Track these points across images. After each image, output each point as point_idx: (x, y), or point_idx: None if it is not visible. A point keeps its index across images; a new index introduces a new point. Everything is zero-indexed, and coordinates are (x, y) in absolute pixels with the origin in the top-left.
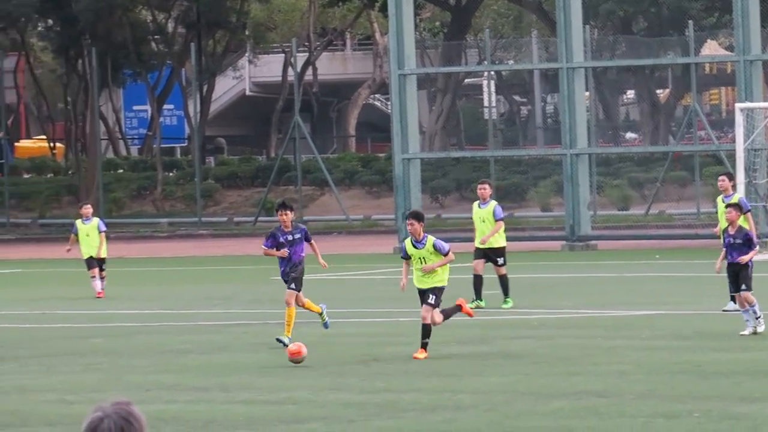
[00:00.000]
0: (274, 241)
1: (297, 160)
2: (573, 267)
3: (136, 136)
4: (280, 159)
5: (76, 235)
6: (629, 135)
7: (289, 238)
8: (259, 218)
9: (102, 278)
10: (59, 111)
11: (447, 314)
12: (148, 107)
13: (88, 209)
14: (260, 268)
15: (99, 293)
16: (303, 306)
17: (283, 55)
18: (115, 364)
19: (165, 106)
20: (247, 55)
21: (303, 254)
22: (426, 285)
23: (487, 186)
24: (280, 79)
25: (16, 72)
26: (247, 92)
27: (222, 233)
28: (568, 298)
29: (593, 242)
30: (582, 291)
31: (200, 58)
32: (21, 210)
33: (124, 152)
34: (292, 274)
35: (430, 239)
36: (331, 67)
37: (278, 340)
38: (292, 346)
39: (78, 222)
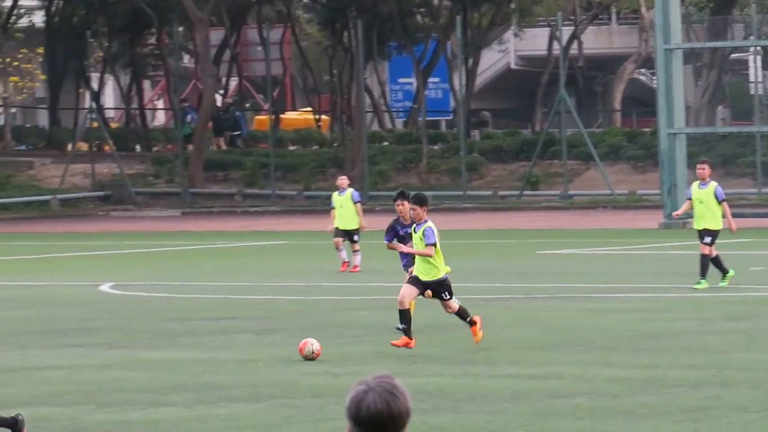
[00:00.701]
0: (394, 234)
1: (562, 135)
2: None
3: (401, 109)
4: (545, 133)
5: (333, 208)
6: None
7: (409, 231)
8: (524, 192)
9: (356, 251)
10: (324, 83)
11: (460, 313)
12: (413, 80)
13: (343, 180)
14: (525, 242)
15: (345, 266)
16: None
17: (549, 29)
18: (380, 337)
19: (430, 80)
20: (512, 28)
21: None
22: (424, 277)
23: (706, 166)
24: (545, 53)
25: (282, 44)
26: (512, 66)
27: (487, 207)
28: None
29: None
30: None
31: (466, 32)
32: (286, 182)
33: (389, 125)
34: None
35: (425, 225)
36: (596, 41)
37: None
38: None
39: (334, 194)
